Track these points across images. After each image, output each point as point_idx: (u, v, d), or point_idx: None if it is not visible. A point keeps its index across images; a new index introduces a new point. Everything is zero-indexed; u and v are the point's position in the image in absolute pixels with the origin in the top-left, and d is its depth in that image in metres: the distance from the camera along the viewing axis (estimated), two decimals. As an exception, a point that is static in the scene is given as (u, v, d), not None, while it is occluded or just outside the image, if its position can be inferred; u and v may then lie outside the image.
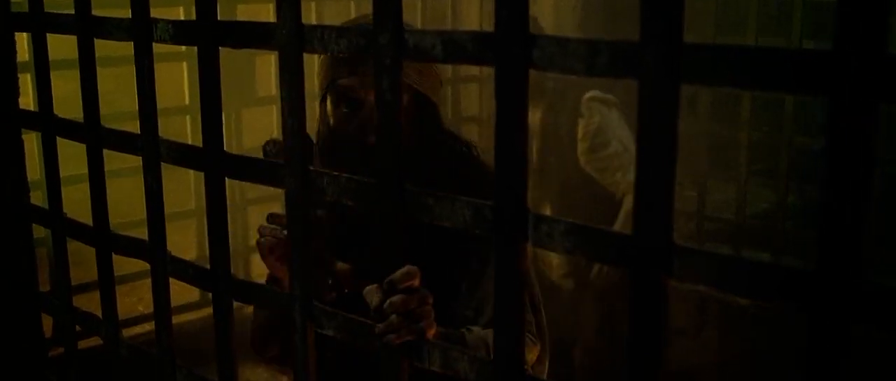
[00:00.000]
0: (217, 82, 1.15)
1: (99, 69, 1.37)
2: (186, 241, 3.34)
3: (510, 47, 0.82)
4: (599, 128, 2.61)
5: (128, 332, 3.10)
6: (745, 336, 2.98)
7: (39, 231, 1.63)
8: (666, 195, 0.75)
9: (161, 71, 2.88)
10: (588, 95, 2.64)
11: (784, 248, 3.18)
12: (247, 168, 1.14)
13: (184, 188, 3.16)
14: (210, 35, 1.12)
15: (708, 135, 3.27)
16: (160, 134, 1.27)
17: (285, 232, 1.23)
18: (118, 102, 2.90)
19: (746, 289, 0.71)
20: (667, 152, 0.75)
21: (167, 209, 1.33)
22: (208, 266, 1.23)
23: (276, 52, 1.06)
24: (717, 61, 0.69)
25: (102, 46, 1.36)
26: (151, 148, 1.27)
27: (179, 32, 1.19)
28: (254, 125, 3.41)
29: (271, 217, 1.30)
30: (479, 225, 0.90)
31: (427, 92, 1.39)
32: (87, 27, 1.34)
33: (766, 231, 3.26)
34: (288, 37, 1.03)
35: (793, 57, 0.65)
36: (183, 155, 1.23)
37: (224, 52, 1.13)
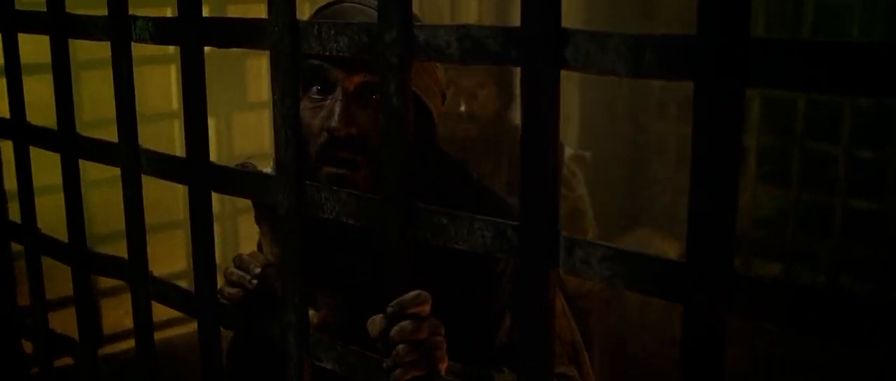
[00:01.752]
0: (202, 86, 1.03)
1: (91, 71, 1.25)
2: (176, 252, 3.21)
3: (540, 44, 0.71)
4: (581, 197, 2.28)
5: (115, 347, 2.98)
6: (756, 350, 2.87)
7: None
8: (727, 217, 0.64)
9: (148, 74, 2.76)
10: (568, 153, 2.26)
11: (793, 257, 3.07)
12: (235, 181, 1.02)
13: (173, 196, 3.03)
14: (194, 33, 1.01)
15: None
16: (147, 142, 1.15)
17: (255, 282, 1.03)
18: (108, 108, 2.77)
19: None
20: (729, 169, 0.63)
21: (155, 219, 1.21)
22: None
23: (268, 52, 0.94)
24: (798, 60, 0.58)
25: (97, 48, 1.24)
26: (130, 159, 1.15)
27: (160, 31, 1.08)
28: (246, 131, 3.29)
29: (239, 261, 1.06)
30: (501, 249, 0.78)
31: (423, 95, 1.14)
32: (60, 26, 1.22)
33: (773, 240, 3.15)
34: (280, 34, 0.91)
35: None
36: (165, 166, 1.11)
37: (214, 53, 1.01)
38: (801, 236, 3.06)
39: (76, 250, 1.32)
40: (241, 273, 1.04)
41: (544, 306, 0.76)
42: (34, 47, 1.31)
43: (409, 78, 0.81)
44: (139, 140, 1.15)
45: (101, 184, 2.66)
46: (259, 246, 1.20)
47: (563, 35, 0.70)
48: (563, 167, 2.07)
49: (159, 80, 3.03)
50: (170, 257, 3.06)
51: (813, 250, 3.03)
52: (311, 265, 0.98)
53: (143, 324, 1.20)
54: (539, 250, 0.75)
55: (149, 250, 1.19)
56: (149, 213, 1.19)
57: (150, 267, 1.19)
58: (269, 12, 0.92)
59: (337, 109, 0.99)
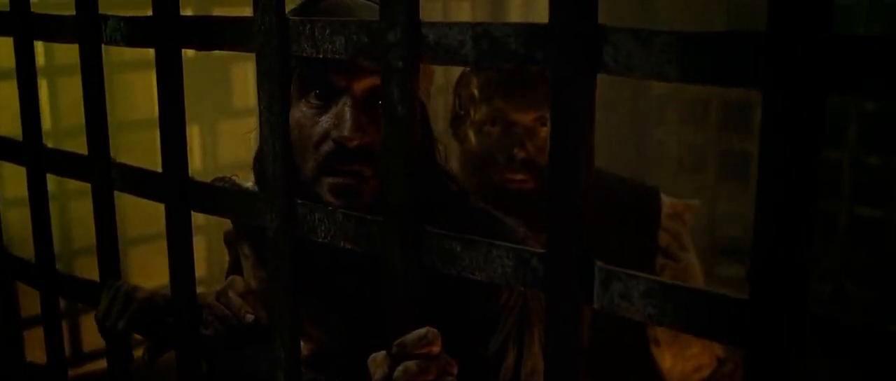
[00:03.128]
0: (180, 93, 0.92)
1: (74, 77, 1.13)
2: (163, 266, 3.07)
3: (572, 44, 0.61)
4: (691, 264, 1.88)
5: (97, 365, 2.85)
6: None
7: None
8: (801, 246, 0.54)
9: (132, 79, 2.64)
10: (669, 206, 1.61)
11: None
12: (216, 199, 0.92)
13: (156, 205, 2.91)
14: (171, 34, 0.90)
15: (716, 145, 3.07)
16: (131, 151, 1.05)
17: (240, 318, 0.92)
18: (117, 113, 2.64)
19: None
20: (805, 191, 0.53)
21: (146, 229, 1.10)
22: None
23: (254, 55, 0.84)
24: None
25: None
26: (101, 173, 1.04)
27: (134, 32, 0.97)
28: (231, 139, 3.16)
29: (222, 296, 0.95)
30: (524, 280, 0.68)
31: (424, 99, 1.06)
32: (25, 27, 1.11)
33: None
34: (267, 34, 0.81)
35: None
36: (139, 182, 1.01)
37: (197, 56, 0.90)
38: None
39: (45, 271, 1.21)
40: (222, 310, 0.93)
41: (574, 349, 0.65)
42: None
43: (417, 84, 0.71)
44: (124, 149, 1.04)
45: (85, 195, 2.54)
46: (231, 269, 1.08)
47: (600, 33, 0.60)
48: (664, 227, 1.47)
49: (144, 85, 2.91)
50: (161, 270, 2.93)
51: (817, 257, 2.94)
52: (301, 287, 0.87)
53: (117, 352, 1.09)
54: (569, 283, 0.65)
55: (138, 261, 1.09)
56: (140, 222, 1.08)
57: (140, 280, 1.08)
58: (255, 10, 0.82)
59: (347, 117, 0.86)
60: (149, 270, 2.65)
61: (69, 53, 1.11)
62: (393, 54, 0.71)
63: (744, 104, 3.04)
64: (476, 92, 1.34)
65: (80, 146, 1.09)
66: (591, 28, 0.60)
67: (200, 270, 2.77)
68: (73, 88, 1.13)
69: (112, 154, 1.04)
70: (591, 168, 0.63)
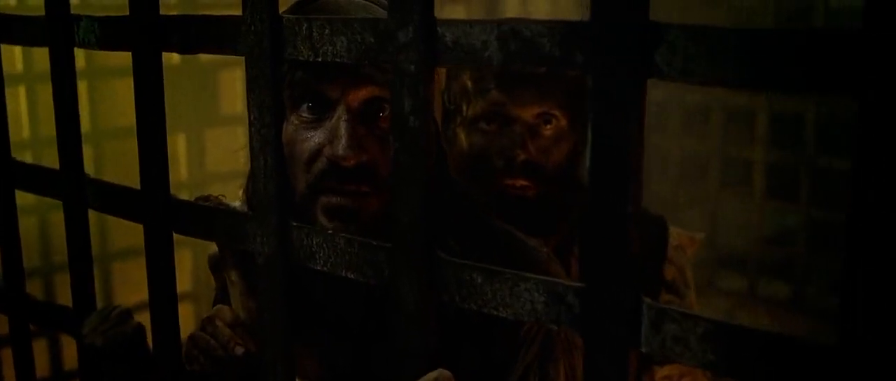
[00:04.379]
0: (160, 101, 0.83)
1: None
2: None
3: (619, 44, 0.52)
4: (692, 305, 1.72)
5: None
6: None
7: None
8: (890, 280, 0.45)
9: (119, 85, 2.53)
10: (674, 240, 1.49)
11: (803, 277, 2.91)
12: (202, 220, 0.82)
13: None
14: (149, 35, 0.80)
15: (720, 153, 2.99)
16: (120, 160, 0.95)
17: (228, 351, 0.83)
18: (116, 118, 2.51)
19: None
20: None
21: (123, 242, 1.00)
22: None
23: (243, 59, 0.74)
24: None
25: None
26: (73, 190, 0.94)
27: (109, 33, 0.87)
28: (219, 147, 3.06)
29: (208, 325, 0.86)
30: (557, 318, 0.58)
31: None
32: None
33: (782, 259, 2.99)
34: (258, 35, 0.71)
35: None
36: (116, 199, 0.91)
37: (184, 61, 0.80)
38: (811, 256, 2.89)
39: (14, 294, 1.11)
40: (207, 341, 0.83)
41: (620, 398, 0.56)
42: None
43: (432, 91, 0.62)
44: (112, 158, 0.93)
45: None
46: (218, 297, 0.98)
47: (654, 31, 0.51)
48: (670, 259, 1.33)
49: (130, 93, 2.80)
50: (141, 284, 2.82)
51: (824, 270, 2.86)
52: (296, 318, 0.78)
53: (87, 370, 0.99)
54: (613, 323, 0.55)
55: (122, 276, 0.99)
56: (125, 233, 0.98)
57: (124, 296, 0.98)
58: (244, 7, 0.72)
59: (342, 133, 0.76)
60: (133, 285, 2.55)
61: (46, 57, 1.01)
62: (404, 57, 0.61)
63: (747, 111, 2.97)
64: (469, 83, 1.12)
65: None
66: (643, 26, 0.51)
67: (185, 284, 2.66)
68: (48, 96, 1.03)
69: (96, 165, 0.94)
70: (640, 189, 0.54)
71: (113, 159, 2.37)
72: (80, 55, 2.57)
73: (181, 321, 0.89)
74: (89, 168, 0.96)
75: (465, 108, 1.12)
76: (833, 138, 2.82)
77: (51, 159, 1.01)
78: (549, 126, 1.10)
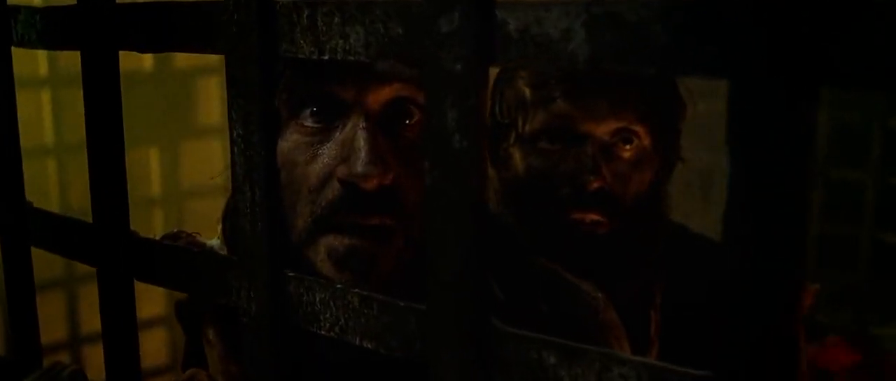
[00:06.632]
0: (116, 114, 0.65)
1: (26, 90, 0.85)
2: (151, 293, 2.75)
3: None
4: None
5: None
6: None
7: None
8: None
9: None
10: None
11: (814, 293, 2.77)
12: (170, 264, 0.64)
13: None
14: (102, 30, 0.63)
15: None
16: (86, 181, 0.77)
17: None
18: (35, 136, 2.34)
19: None
20: None
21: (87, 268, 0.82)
22: None
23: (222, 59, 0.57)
24: None
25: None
26: (12, 222, 0.77)
27: (54, 28, 0.70)
28: (196, 162, 2.85)
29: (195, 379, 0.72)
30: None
31: None
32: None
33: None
34: (244, 26, 0.54)
35: None
36: (63, 235, 0.73)
37: (156, 62, 0.63)
38: (822, 271, 2.75)
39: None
40: None
41: None
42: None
43: (485, 100, 0.45)
44: (80, 175, 0.75)
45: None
46: (188, 356, 0.80)
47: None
48: None
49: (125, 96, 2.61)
50: (143, 301, 2.61)
51: (836, 287, 2.73)
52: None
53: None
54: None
55: (96, 299, 0.81)
56: None
57: (97, 323, 0.80)
58: (225, -8, 0.55)
59: (361, 145, 0.58)
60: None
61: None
62: (447, 53, 0.44)
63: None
64: (527, 90, 0.90)
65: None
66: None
67: (157, 307, 2.46)
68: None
69: (61, 185, 0.76)
70: (804, 233, 0.37)
71: (80, 177, 2.18)
72: (43, 60, 2.39)
73: (153, 351, 0.72)
74: (52, 189, 0.80)
75: (520, 122, 0.90)
76: (846, 149, 2.70)
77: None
78: (628, 146, 0.88)
